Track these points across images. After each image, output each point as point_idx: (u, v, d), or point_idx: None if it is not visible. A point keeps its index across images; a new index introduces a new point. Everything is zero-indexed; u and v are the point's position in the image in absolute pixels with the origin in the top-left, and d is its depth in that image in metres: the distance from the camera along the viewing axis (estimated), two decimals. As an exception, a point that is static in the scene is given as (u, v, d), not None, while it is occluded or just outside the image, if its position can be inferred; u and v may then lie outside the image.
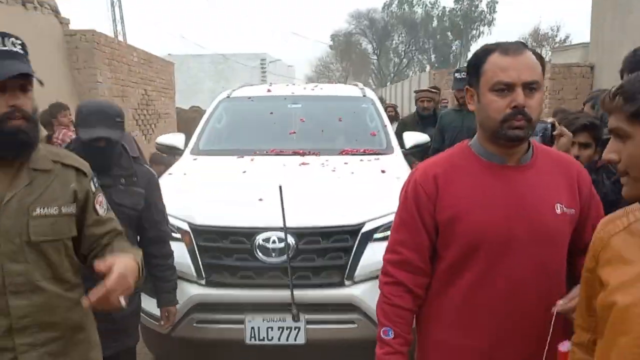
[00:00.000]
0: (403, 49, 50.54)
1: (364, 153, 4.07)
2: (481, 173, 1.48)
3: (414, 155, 4.58)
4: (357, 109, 4.74)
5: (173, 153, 4.46)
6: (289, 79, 35.13)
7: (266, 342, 2.98)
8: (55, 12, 7.13)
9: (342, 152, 4.05)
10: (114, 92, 8.00)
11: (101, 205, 1.72)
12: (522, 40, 1.50)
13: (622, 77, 1.89)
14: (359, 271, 3.02)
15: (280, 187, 2.91)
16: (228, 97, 4.88)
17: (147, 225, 2.55)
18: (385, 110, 6.82)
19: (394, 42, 50.62)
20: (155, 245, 2.61)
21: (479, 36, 47.87)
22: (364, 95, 4.90)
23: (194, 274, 3.04)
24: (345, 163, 3.81)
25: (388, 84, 47.44)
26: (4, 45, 1.49)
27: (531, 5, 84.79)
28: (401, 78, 50.29)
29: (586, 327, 1.26)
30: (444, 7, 48.17)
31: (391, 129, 4.57)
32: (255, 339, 2.98)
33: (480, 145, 1.51)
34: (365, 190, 3.38)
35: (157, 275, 2.67)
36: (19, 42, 1.54)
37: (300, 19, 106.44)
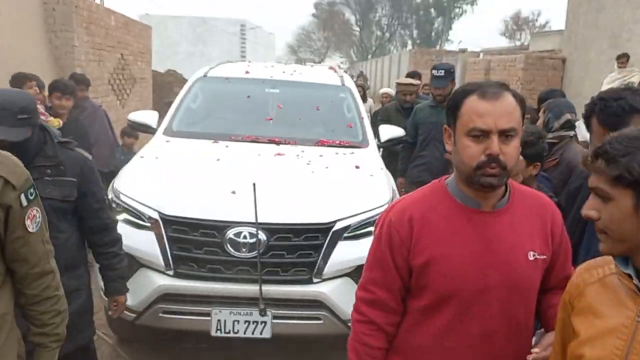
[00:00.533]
0: (386, 22, 50.21)
1: (340, 145, 4.06)
2: (456, 217, 1.46)
3: (388, 148, 4.63)
4: (335, 99, 4.70)
5: (145, 131, 4.34)
6: (269, 48, 34.74)
7: (232, 335, 2.99)
8: (32, -29, 6.99)
9: (318, 143, 4.02)
10: (90, 56, 7.90)
11: (33, 220, 1.59)
12: (502, 83, 1.45)
13: (586, 123, 1.95)
14: (328, 269, 3.04)
15: (254, 185, 2.91)
16: (205, 76, 4.75)
17: (85, 215, 2.37)
18: None
19: (377, 15, 50.22)
20: (98, 234, 2.45)
21: (461, 14, 47.89)
22: (343, 84, 4.84)
23: (163, 264, 3.01)
24: (321, 155, 3.79)
25: (369, 57, 47.27)
26: None
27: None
28: (383, 52, 50.12)
29: None
30: (429, -17, 47.88)
31: (367, 121, 4.53)
32: (221, 332, 2.99)
33: (456, 187, 1.48)
34: (338, 187, 3.39)
35: (103, 263, 2.51)
36: None
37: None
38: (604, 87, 7.37)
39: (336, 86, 4.81)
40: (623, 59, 7.19)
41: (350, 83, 4.95)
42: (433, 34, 49.18)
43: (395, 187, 3.72)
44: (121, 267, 2.56)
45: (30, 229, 1.58)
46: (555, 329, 1.30)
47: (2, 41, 6.07)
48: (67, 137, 4.02)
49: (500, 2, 57.55)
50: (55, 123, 3.95)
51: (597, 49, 8.37)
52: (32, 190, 1.61)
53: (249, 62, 5.96)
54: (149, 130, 4.24)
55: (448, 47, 49.00)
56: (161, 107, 15.60)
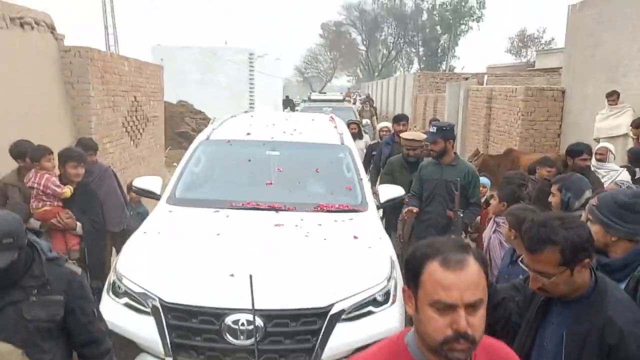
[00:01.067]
0: (392, 41, 50.78)
1: (339, 209, 4.06)
2: None
3: (387, 208, 4.61)
4: (334, 159, 4.72)
5: (150, 197, 4.40)
6: (277, 73, 35.35)
7: None
8: (52, 28, 7.35)
9: (318, 207, 4.04)
10: (104, 103, 8.25)
11: None
12: (463, 244, 1.39)
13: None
14: (326, 353, 3.01)
15: (250, 276, 2.79)
16: (207, 138, 4.82)
17: (74, 330, 2.31)
18: (348, 127, 6.76)
19: (383, 33, 50.84)
20: (87, 347, 2.37)
21: (467, 31, 48.33)
22: (342, 143, 4.86)
23: (162, 350, 3.01)
24: (319, 225, 3.79)
25: (376, 74, 47.71)
26: None
27: (519, 3, 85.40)
28: (389, 69, 50.57)
29: None
30: (434, 1, 48.45)
31: (367, 182, 4.56)
32: None
33: (419, 350, 1.37)
34: (336, 266, 3.35)
35: None
36: None
37: (291, 10, 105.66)
38: (597, 124, 7.53)
39: (335, 145, 4.83)
40: (613, 97, 7.28)
41: (349, 141, 4.95)
42: (439, 50, 49.64)
43: (395, 258, 3.68)
44: None
45: None
46: None
47: (23, 97, 6.43)
48: (79, 204, 4.23)
49: (506, 19, 57.70)
50: (68, 193, 4.20)
51: (595, 83, 8.57)
52: None
53: (252, 115, 5.92)
54: (154, 197, 4.32)
55: (454, 62, 49.24)
56: (173, 138, 16.16)
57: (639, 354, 1.77)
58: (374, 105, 20.03)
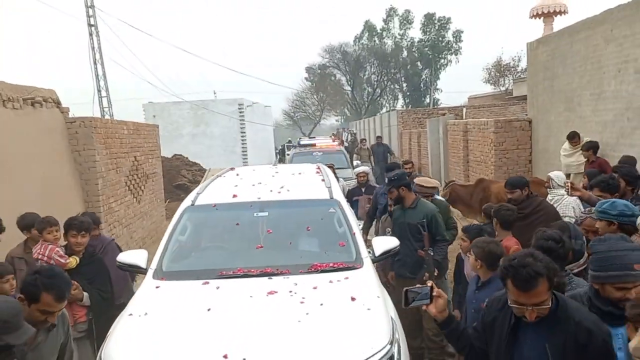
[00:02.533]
0: (376, 79, 52.20)
1: (334, 268, 3.86)
2: None
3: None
4: (325, 215, 4.54)
5: (136, 272, 4.23)
6: (266, 119, 36.43)
7: None
8: (57, 103, 8.12)
9: (311, 267, 3.84)
10: (108, 165, 8.95)
11: None
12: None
13: (503, 283, 2.35)
14: None
15: (249, 321, 2.81)
16: (192, 204, 4.64)
17: None
18: (358, 177, 7.44)
19: (366, 73, 52.30)
20: None
21: (447, 65, 49.91)
22: (331, 197, 4.67)
23: None
24: (314, 287, 3.57)
25: (363, 113, 48.88)
26: None
27: (494, 34, 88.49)
28: (375, 106, 51.80)
29: None
30: (412, 38, 50.23)
31: (360, 237, 4.34)
32: None
33: None
34: (335, 336, 3.12)
35: None
36: None
37: (275, 57, 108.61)
38: (563, 161, 7.87)
39: (325, 200, 4.65)
40: (575, 139, 7.71)
41: (338, 195, 4.83)
42: (422, 85, 51.11)
43: (395, 316, 3.52)
44: None
45: None
46: None
47: (38, 169, 7.11)
48: (86, 274, 4.13)
49: (482, 49, 59.50)
50: (73, 263, 4.11)
51: (556, 112, 9.38)
52: None
53: (237, 174, 5.67)
54: (140, 271, 4.11)
55: (438, 95, 50.52)
56: (171, 190, 16.86)
57: (605, 346, 2.22)
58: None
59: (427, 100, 48.24)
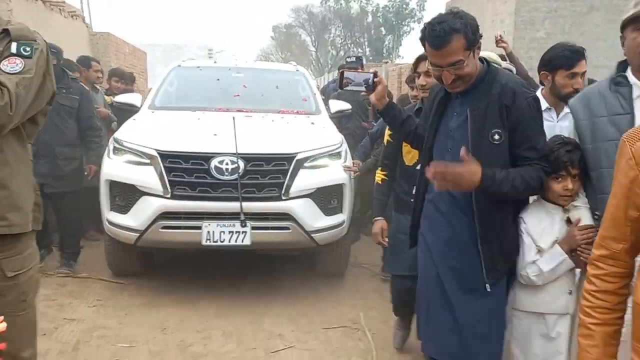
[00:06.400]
0: (340, 42, 53.01)
1: (298, 113, 4.58)
2: None
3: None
4: (291, 80, 5.28)
5: (130, 110, 4.74)
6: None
7: (219, 243, 3.45)
8: (82, 17, 10.09)
9: (280, 112, 4.54)
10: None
11: (7, 65, 1.56)
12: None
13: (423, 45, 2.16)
14: (293, 189, 3.59)
15: (233, 118, 3.56)
16: (179, 66, 5.31)
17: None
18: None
19: (331, 35, 53.08)
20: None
21: (409, 32, 51.36)
22: (297, 70, 5.52)
23: (161, 189, 3.49)
24: (282, 117, 4.35)
25: (326, 73, 50.14)
26: None
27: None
28: (338, 69, 52.68)
29: (620, 237, 1.30)
30: (377, 4, 51.01)
31: (319, 96, 5.13)
32: (210, 241, 3.46)
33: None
34: (299, 131, 4.01)
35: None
36: None
37: (244, 13, 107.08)
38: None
39: (292, 71, 5.52)
40: None
41: (303, 70, 5.64)
42: (384, 50, 52.47)
43: (343, 139, 4.22)
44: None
45: (4, 69, 1.56)
46: (613, 199, 1.30)
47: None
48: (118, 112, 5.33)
49: (444, 19, 60.15)
50: (108, 100, 5.41)
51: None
52: (27, 48, 1.58)
53: (215, 61, 6.59)
54: (134, 109, 4.66)
55: (399, 61, 52.17)
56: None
57: (529, 109, 2.02)
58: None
59: (389, 66, 49.50)
